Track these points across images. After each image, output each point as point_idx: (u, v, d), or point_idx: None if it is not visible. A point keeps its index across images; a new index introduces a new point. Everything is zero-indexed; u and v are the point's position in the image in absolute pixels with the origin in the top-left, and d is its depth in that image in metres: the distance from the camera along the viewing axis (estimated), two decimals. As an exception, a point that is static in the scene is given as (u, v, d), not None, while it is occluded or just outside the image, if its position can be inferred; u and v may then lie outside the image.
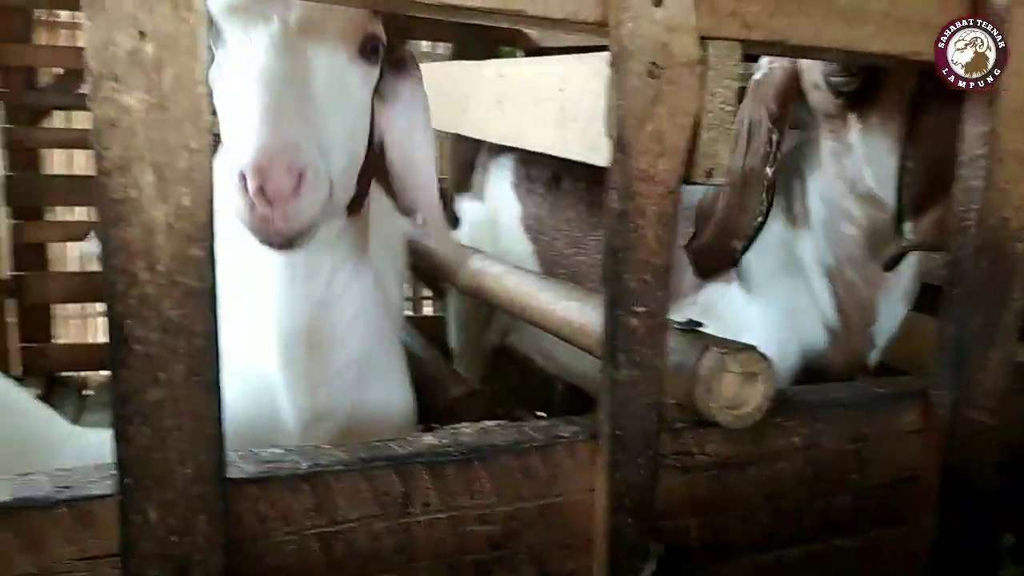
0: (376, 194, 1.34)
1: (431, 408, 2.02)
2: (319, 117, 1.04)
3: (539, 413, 2.96)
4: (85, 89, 0.72)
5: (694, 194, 1.65)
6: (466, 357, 2.53)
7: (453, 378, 2.10)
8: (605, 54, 0.93)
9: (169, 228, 0.75)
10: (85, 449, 1.26)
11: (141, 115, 0.72)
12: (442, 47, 4.07)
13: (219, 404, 0.80)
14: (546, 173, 2.17)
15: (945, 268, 1.24)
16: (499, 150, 2.30)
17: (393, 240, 1.84)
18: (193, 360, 0.78)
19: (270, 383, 1.28)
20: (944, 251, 1.42)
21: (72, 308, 4.74)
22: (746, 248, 1.59)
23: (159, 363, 0.76)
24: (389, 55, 1.21)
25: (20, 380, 2.59)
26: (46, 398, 2.77)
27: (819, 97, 1.51)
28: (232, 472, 0.85)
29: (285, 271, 1.21)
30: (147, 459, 0.78)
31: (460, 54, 2.90)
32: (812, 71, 1.49)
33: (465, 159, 2.50)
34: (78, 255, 4.02)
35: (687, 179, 0.96)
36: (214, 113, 0.82)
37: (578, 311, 1.31)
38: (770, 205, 1.56)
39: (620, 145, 0.92)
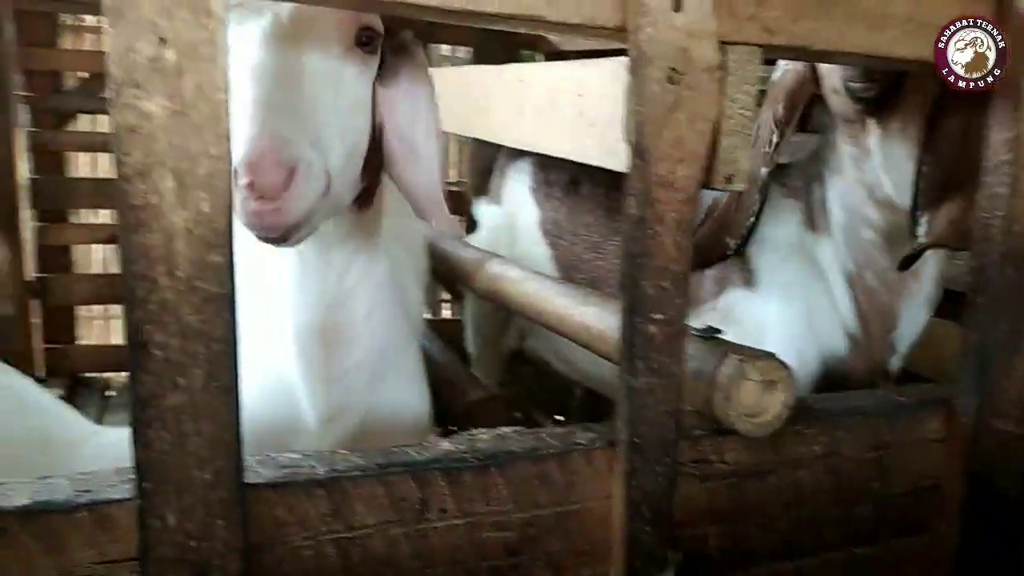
0: (395, 195, 1.34)
1: (449, 412, 2.03)
2: (313, 111, 1.04)
3: (557, 417, 2.96)
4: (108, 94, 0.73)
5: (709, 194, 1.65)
6: (484, 361, 2.53)
7: (471, 382, 2.11)
8: (624, 59, 0.93)
9: (189, 234, 0.75)
10: (106, 448, 1.28)
11: (162, 121, 0.72)
12: (462, 51, 4.09)
13: (237, 409, 0.80)
14: (564, 177, 2.17)
15: (969, 274, 1.22)
16: (517, 154, 2.30)
17: (414, 243, 1.84)
18: (212, 365, 0.78)
19: (288, 380, 1.29)
20: (957, 250, 1.41)
21: (95, 309, 4.80)
22: (739, 246, 1.59)
23: (178, 368, 0.77)
24: (390, 40, 1.20)
25: (43, 381, 2.62)
26: (69, 399, 2.80)
27: (838, 102, 1.50)
28: (250, 477, 0.86)
29: (297, 266, 1.22)
30: (166, 464, 0.78)
31: (480, 58, 2.90)
32: (832, 76, 1.48)
33: (483, 163, 2.50)
34: (101, 257, 4.08)
35: (706, 185, 0.96)
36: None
37: (596, 317, 1.30)
38: (762, 206, 1.55)
39: (639, 151, 0.91)
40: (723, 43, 0.93)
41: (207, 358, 0.78)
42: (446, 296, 3.73)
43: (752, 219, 1.56)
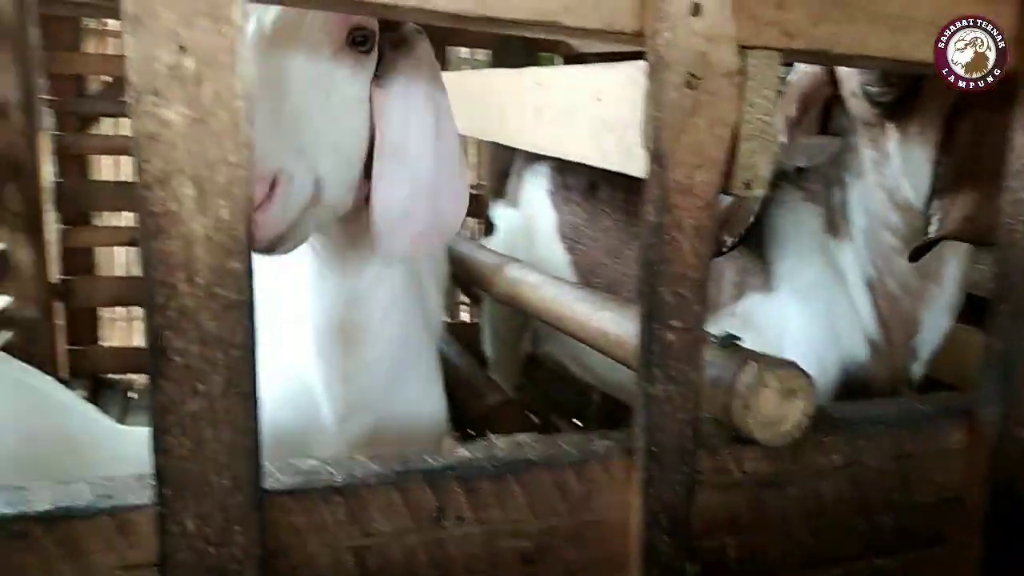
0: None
1: (466, 415, 2.03)
2: (300, 117, 1.02)
3: (575, 421, 2.96)
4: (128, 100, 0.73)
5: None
6: (501, 364, 2.53)
7: (488, 386, 2.10)
8: (642, 63, 0.92)
9: (208, 241, 0.75)
10: (128, 449, 1.29)
11: (181, 129, 0.73)
12: (481, 53, 4.09)
13: (256, 415, 0.80)
14: (582, 181, 2.16)
15: (992, 280, 1.21)
16: (535, 157, 2.30)
17: None
18: (231, 372, 0.78)
19: (308, 380, 1.30)
20: (970, 243, 1.39)
21: (118, 311, 4.85)
22: (734, 245, 1.58)
23: (197, 375, 0.77)
24: (390, 35, 1.16)
25: (66, 382, 2.65)
26: (92, 399, 2.83)
27: (857, 105, 1.48)
28: (268, 483, 0.86)
29: (313, 268, 1.22)
30: (185, 470, 0.78)
31: (499, 60, 2.90)
32: (851, 79, 1.46)
33: (501, 166, 2.50)
34: (124, 260, 4.11)
35: (725, 190, 0.95)
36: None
37: (613, 323, 1.30)
38: (763, 207, 1.54)
39: (657, 156, 0.91)
40: (742, 47, 0.92)
41: (226, 364, 0.78)
42: (464, 299, 3.74)
43: (752, 220, 1.55)
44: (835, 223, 1.64)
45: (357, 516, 0.90)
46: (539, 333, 2.38)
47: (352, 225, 1.20)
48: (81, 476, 0.86)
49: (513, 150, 2.36)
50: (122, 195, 3.12)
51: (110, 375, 3.29)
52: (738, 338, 1.14)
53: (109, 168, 4.48)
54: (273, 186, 0.96)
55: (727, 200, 1.60)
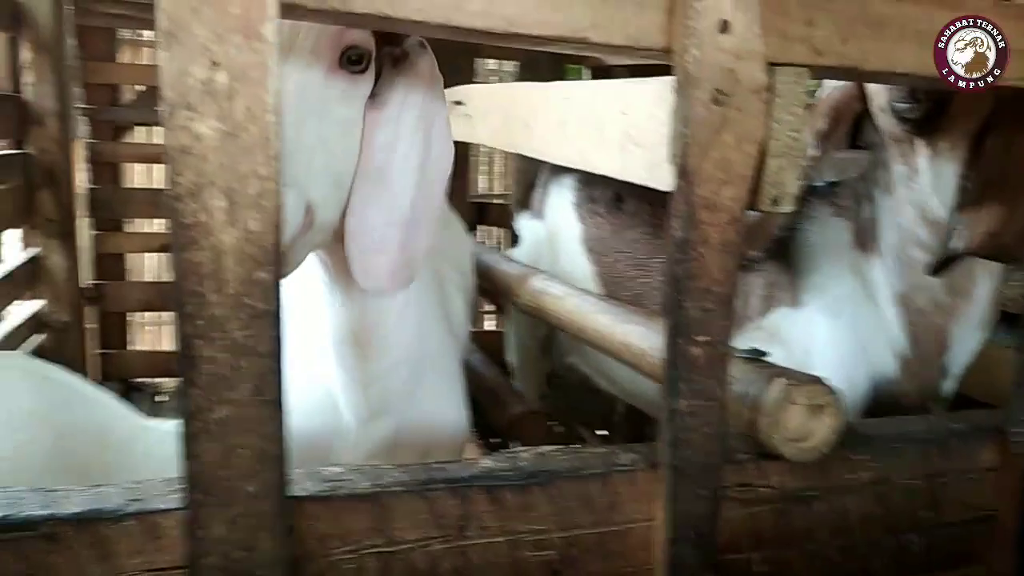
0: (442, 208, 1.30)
1: (490, 425, 2.03)
2: (289, 143, 0.96)
3: (599, 431, 2.95)
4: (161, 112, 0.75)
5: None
6: (525, 374, 2.54)
7: (513, 396, 2.11)
8: (669, 79, 0.92)
9: (238, 252, 0.77)
10: (157, 447, 1.31)
11: (213, 143, 0.74)
12: (509, 64, 4.11)
13: (283, 423, 0.81)
14: (608, 194, 2.16)
15: (1024, 297, 1.19)
16: (560, 170, 2.31)
17: (461, 258, 1.85)
18: (258, 380, 0.79)
19: (330, 386, 1.31)
20: (990, 259, 1.38)
21: (148, 316, 4.92)
22: (760, 260, 1.57)
23: (226, 382, 0.78)
24: (391, 50, 1.10)
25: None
26: (121, 403, 2.86)
27: (886, 121, 1.47)
28: (295, 490, 0.87)
29: (324, 276, 1.23)
30: (214, 475, 0.80)
31: (527, 72, 2.92)
32: (880, 95, 1.46)
33: (527, 177, 2.51)
34: (155, 265, 4.17)
35: (752, 206, 0.95)
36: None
37: (638, 336, 1.30)
38: (794, 221, 1.53)
39: (683, 172, 0.91)
40: (770, 64, 0.92)
41: (253, 373, 0.79)
42: (489, 308, 3.75)
43: (780, 234, 1.54)
44: (865, 238, 1.62)
45: (382, 524, 0.90)
46: (563, 344, 2.38)
47: None
48: (113, 477, 0.88)
49: (539, 162, 2.37)
50: (153, 202, 3.18)
51: (139, 379, 3.34)
52: (765, 353, 1.14)
53: (141, 175, 4.56)
54: None
55: (753, 215, 1.59)
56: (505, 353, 2.58)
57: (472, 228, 2.98)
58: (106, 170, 3.18)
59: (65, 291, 2.43)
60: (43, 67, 2.27)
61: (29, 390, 1.28)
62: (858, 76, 1.04)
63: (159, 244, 3.27)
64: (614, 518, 0.99)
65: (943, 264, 1.42)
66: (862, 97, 1.54)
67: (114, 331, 3.25)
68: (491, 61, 4.29)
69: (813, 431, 1.03)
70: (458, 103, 1.92)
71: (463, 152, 3.02)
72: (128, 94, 3.30)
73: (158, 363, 3.29)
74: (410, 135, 1.11)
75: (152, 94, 3.16)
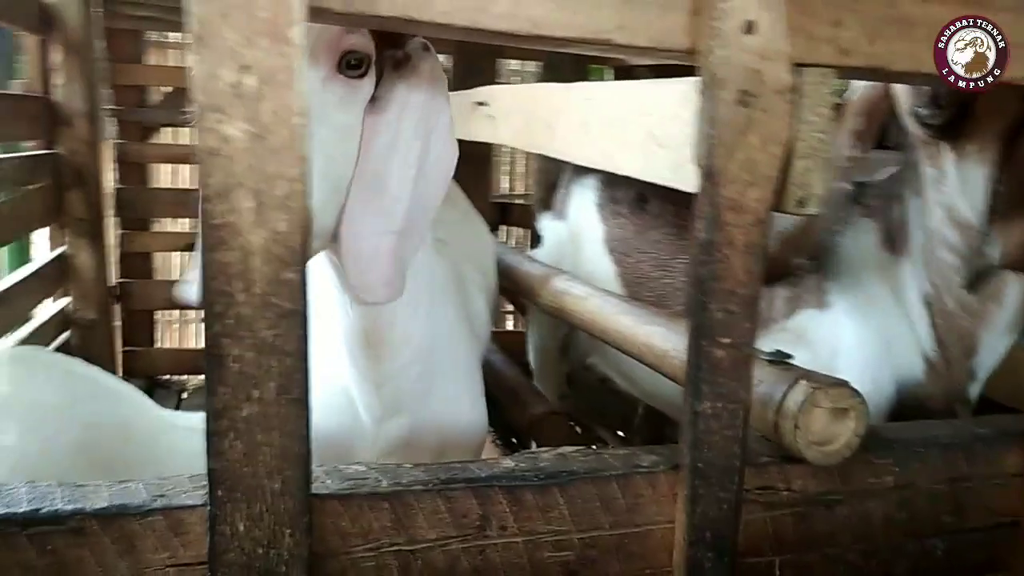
0: (465, 210, 1.31)
1: (510, 425, 2.03)
2: None
3: (619, 432, 2.94)
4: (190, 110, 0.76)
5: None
6: (546, 374, 2.54)
7: (533, 396, 2.11)
8: (693, 79, 0.92)
9: (265, 252, 0.78)
10: (181, 443, 1.32)
11: (242, 145, 0.75)
12: (532, 64, 4.11)
13: (307, 421, 0.82)
14: (631, 194, 2.15)
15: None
16: (583, 170, 2.30)
17: (483, 257, 1.86)
18: (284, 379, 0.80)
19: (347, 386, 1.32)
20: None
21: (173, 314, 4.98)
22: (808, 267, 1.55)
23: (252, 381, 0.79)
24: (393, 54, 1.09)
25: (123, 382, 2.72)
26: (146, 400, 2.90)
27: (912, 124, 1.46)
28: (317, 488, 0.88)
29: (333, 278, 1.23)
30: (238, 472, 0.80)
31: (549, 72, 2.92)
32: (904, 97, 1.44)
33: (549, 178, 2.51)
34: (180, 264, 4.22)
35: (778, 208, 0.94)
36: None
37: (660, 337, 1.29)
38: (845, 222, 1.51)
39: (708, 173, 0.91)
40: (797, 65, 0.91)
41: (280, 371, 0.80)
42: (510, 307, 3.75)
43: (829, 237, 1.53)
44: (893, 239, 1.61)
45: (402, 522, 0.91)
46: (583, 344, 2.38)
47: None
48: (139, 471, 0.89)
49: (561, 163, 2.36)
50: (179, 202, 3.22)
51: (164, 376, 3.38)
52: (789, 355, 1.13)
53: (168, 176, 4.61)
54: None
55: (794, 220, 1.58)
56: (527, 353, 2.59)
57: (494, 228, 2.98)
58: (133, 170, 3.22)
59: (93, 289, 2.47)
60: (72, 69, 2.30)
61: (54, 384, 1.30)
62: (885, 76, 1.03)
63: (185, 243, 3.30)
64: (634, 520, 0.99)
65: (980, 279, 1.41)
66: (890, 97, 1.53)
67: (140, 329, 3.29)
68: (513, 61, 4.28)
69: (837, 435, 1.03)
70: (481, 104, 1.92)
71: (485, 153, 3.03)
72: (155, 95, 3.34)
73: (183, 360, 3.33)
74: (409, 139, 1.09)
75: (178, 96, 3.19)
